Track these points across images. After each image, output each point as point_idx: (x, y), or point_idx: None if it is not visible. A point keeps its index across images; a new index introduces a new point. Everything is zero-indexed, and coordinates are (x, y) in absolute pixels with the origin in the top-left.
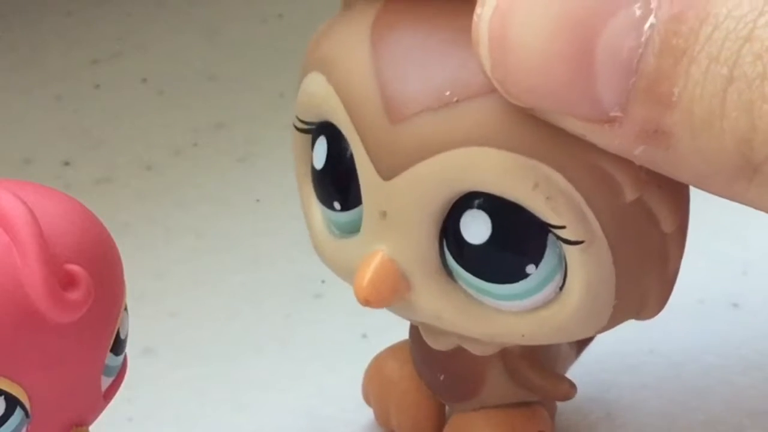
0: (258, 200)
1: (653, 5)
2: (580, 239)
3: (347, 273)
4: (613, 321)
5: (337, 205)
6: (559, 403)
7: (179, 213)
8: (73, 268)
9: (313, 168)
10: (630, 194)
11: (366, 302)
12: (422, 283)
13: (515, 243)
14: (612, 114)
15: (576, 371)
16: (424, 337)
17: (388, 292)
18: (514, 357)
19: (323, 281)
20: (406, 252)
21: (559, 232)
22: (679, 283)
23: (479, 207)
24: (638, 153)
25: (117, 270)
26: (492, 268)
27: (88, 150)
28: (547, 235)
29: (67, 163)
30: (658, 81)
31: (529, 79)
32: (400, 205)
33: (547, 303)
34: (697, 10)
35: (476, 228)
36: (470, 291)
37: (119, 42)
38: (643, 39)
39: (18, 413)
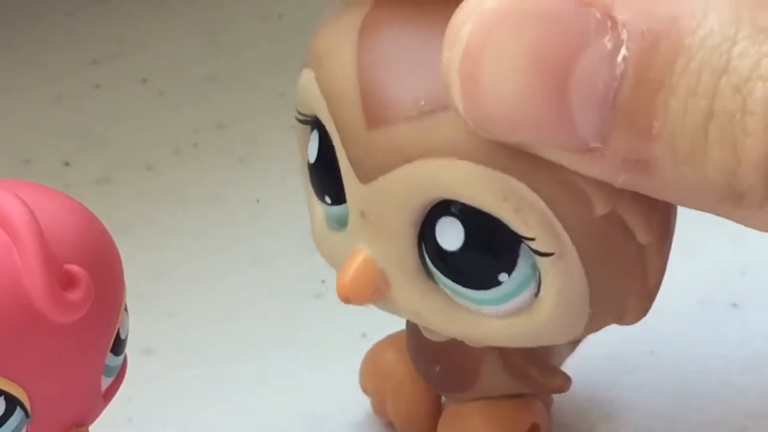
0: (258, 200)
1: (623, 36)
2: (550, 251)
3: (338, 265)
4: (592, 327)
5: (328, 198)
6: (559, 404)
7: (179, 213)
8: (73, 268)
9: (307, 161)
10: (601, 209)
11: (346, 300)
12: (401, 283)
13: (488, 251)
14: (592, 145)
15: (576, 371)
16: (421, 328)
17: (368, 292)
18: (508, 349)
19: (323, 281)
20: (385, 253)
21: (529, 243)
22: (679, 283)
23: (453, 214)
24: (621, 180)
25: (117, 270)
26: (466, 274)
27: (88, 150)
28: (519, 244)
29: (67, 163)
30: (636, 114)
31: (504, 118)
32: (377, 208)
33: (522, 309)
34: (669, 42)
35: (450, 235)
36: (449, 293)
37: (119, 42)
38: (617, 72)
39: (18, 413)
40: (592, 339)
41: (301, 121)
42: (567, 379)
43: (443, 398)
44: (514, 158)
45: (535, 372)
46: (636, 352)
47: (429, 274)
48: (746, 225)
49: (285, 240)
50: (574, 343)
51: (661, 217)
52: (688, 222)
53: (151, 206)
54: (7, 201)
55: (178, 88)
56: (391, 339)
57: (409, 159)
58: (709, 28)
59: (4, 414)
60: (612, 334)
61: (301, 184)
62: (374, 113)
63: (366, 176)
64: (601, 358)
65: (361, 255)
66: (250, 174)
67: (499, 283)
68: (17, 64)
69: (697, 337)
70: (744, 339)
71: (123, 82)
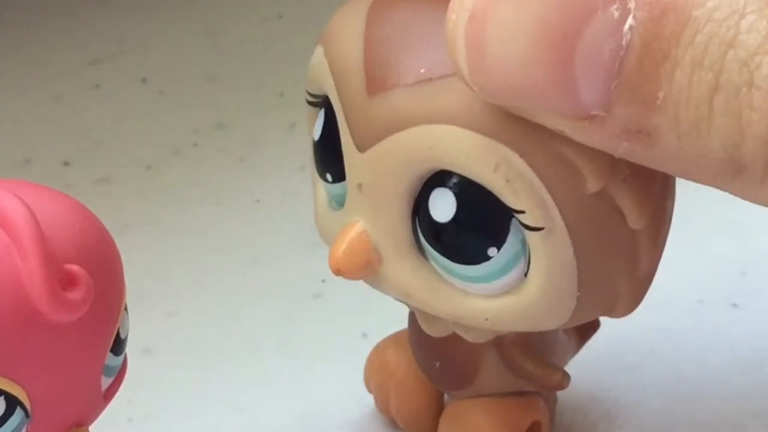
0: (258, 200)
1: (631, 5)
2: (539, 225)
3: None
4: (581, 315)
5: (329, 176)
6: (559, 403)
7: (179, 213)
8: (73, 268)
9: (312, 140)
10: (592, 185)
11: (338, 272)
12: (393, 257)
13: (478, 224)
14: (594, 113)
15: (576, 371)
16: (420, 323)
17: (360, 264)
18: (507, 344)
19: (323, 281)
20: (379, 225)
21: (519, 216)
22: (679, 283)
23: (447, 186)
24: (621, 150)
25: (117, 270)
26: (456, 247)
27: (88, 150)
28: (510, 219)
29: (67, 163)
30: (641, 84)
31: (508, 83)
32: (374, 178)
33: (511, 288)
34: (677, 13)
35: (442, 206)
36: (439, 270)
37: (119, 42)
38: (623, 42)
39: (18, 413)
40: (592, 338)
41: (310, 103)
42: (566, 376)
43: (446, 396)
44: (510, 128)
45: (533, 368)
46: (636, 352)
47: (421, 249)
48: (744, 198)
49: (285, 240)
50: (578, 344)
51: (655, 205)
52: (688, 222)
53: (151, 206)
54: (7, 201)
55: (178, 88)
56: (394, 337)
57: (405, 125)
58: (718, 0)
59: (4, 414)
60: (612, 333)
61: (301, 181)
62: (375, 80)
63: (364, 144)
64: (601, 357)
65: (355, 228)
66: (250, 174)
67: (488, 258)
68: (17, 64)
69: (697, 337)
70: (744, 339)
71: (123, 82)
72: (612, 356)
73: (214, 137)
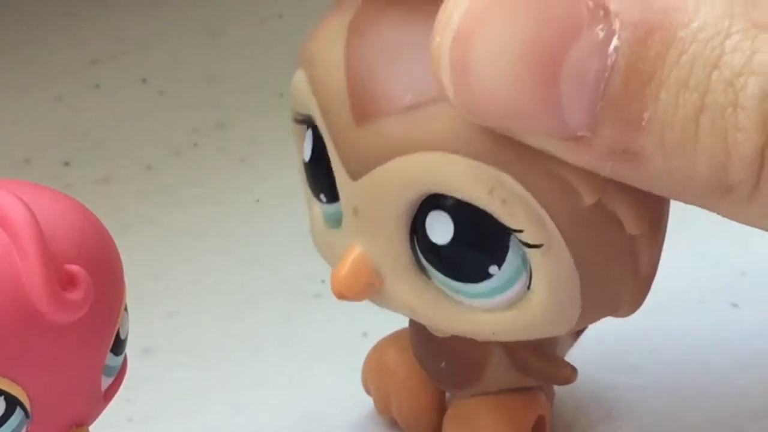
0: (258, 200)
1: (616, 26)
2: (538, 243)
3: (335, 264)
4: (586, 319)
5: (323, 197)
6: (559, 403)
7: (179, 213)
8: (73, 268)
9: (302, 160)
10: (588, 199)
11: (340, 296)
12: (395, 278)
13: (477, 244)
14: (579, 133)
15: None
16: (426, 325)
17: (362, 287)
18: (513, 342)
19: (323, 281)
20: (378, 247)
21: (518, 235)
22: (679, 283)
23: (442, 208)
24: (607, 170)
25: (117, 270)
26: (457, 267)
27: (88, 150)
28: (509, 237)
29: (67, 163)
30: (626, 105)
31: (493, 103)
32: (369, 204)
33: (515, 302)
34: (662, 34)
35: (440, 228)
36: (442, 287)
37: (119, 42)
38: (608, 62)
39: (18, 413)
40: (592, 338)
41: (297, 121)
42: (573, 370)
43: (447, 395)
44: (501, 150)
45: (540, 364)
46: (636, 352)
47: (422, 268)
48: (731, 218)
49: (285, 240)
50: (575, 335)
51: (651, 208)
52: (688, 222)
53: (151, 206)
54: (7, 201)
55: (178, 88)
56: (393, 337)
57: (396, 154)
58: (702, 21)
59: (4, 414)
60: (612, 333)
61: (301, 185)
62: (361, 109)
63: (355, 173)
64: (601, 357)
65: (355, 251)
66: (250, 174)
67: (489, 276)
68: (17, 64)
69: (697, 337)
70: (744, 339)
71: (123, 82)
72: (612, 356)
73: (214, 137)
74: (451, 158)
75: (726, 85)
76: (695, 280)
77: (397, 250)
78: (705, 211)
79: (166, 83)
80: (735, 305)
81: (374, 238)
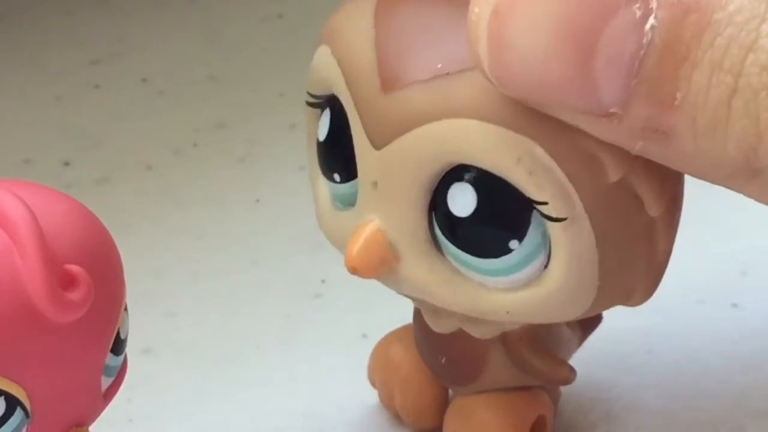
0: (258, 200)
1: (653, 5)
2: (562, 216)
3: (344, 246)
4: (600, 305)
5: (337, 176)
6: (559, 403)
7: (179, 213)
8: (73, 268)
9: (317, 140)
10: (614, 174)
11: (354, 270)
12: (410, 254)
13: (499, 217)
14: (612, 110)
15: (576, 371)
16: (426, 320)
17: (377, 262)
18: (514, 340)
19: (323, 281)
20: (395, 222)
21: (541, 208)
22: (679, 283)
23: (466, 180)
24: (637, 148)
25: (117, 270)
26: (476, 241)
27: (88, 150)
28: (531, 211)
29: (67, 163)
30: (659, 84)
31: (528, 77)
32: (390, 175)
33: (531, 281)
34: (698, 15)
35: (462, 201)
36: (457, 265)
37: (119, 42)
38: (644, 41)
39: (18, 413)
40: (593, 338)
41: (311, 104)
42: (572, 371)
43: (450, 392)
44: (530, 120)
45: (539, 363)
46: (636, 352)
47: (437, 245)
48: (757, 200)
49: (285, 240)
50: (583, 336)
51: (670, 191)
52: (688, 222)
53: (151, 206)
54: (7, 201)
55: (178, 88)
56: (399, 333)
57: (423, 121)
58: (739, 4)
59: (4, 414)
60: (612, 334)
61: (301, 181)
62: (390, 76)
63: (380, 141)
64: (601, 357)
65: (369, 226)
66: (250, 174)
67: (509, 251)
68: (17, 64)
69: (697, 337)
70: (744, 339)
71: (123, 82)
72: (612, 356)
73: (214, 137)
74: (478, 125)
75: (761, 68)
76: (695, 280)
77: (415, 226)
78: (706, 211)
79: (166, 83)
80: (735, 305)
81: (392, 212)
